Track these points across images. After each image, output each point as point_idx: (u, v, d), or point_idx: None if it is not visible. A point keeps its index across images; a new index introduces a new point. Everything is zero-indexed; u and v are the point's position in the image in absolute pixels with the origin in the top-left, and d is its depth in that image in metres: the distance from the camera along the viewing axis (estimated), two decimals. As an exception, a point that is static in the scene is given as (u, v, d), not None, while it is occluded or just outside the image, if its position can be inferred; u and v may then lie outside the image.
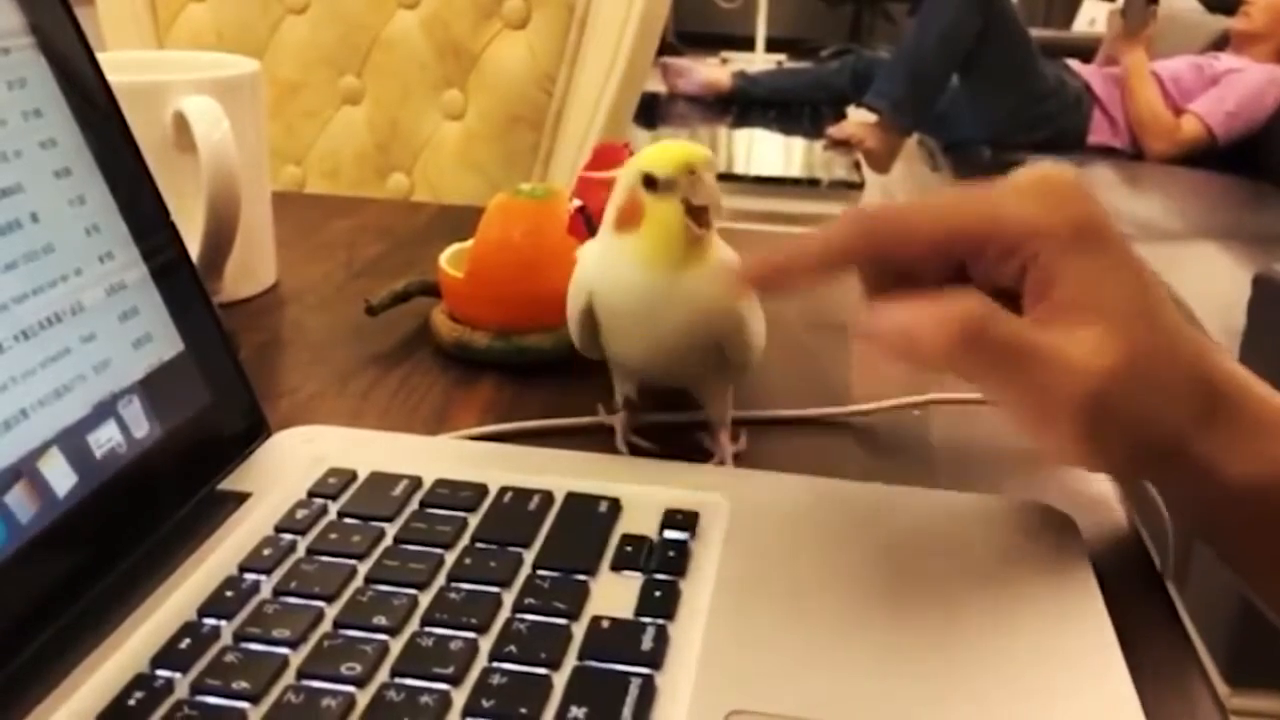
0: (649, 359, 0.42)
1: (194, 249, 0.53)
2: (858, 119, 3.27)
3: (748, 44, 4.74)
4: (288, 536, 0.34)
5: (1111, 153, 2.93)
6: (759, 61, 4.36)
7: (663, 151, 0.40)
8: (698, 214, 0.39)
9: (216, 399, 0.39)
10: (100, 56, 0.61)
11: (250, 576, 0.33)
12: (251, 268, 0.59)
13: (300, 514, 0.35)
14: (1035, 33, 3.04)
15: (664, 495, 0.37)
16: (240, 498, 0.37)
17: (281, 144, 1.11)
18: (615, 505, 0.36)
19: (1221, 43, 3.07)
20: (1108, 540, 0.39)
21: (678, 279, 0.40)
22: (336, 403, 0.49)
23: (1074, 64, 3.06)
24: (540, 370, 0.51)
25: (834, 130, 3.26)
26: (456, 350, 0.52)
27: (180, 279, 0.39)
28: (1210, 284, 2.02)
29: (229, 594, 0.32)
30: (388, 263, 0.66)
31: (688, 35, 4.94)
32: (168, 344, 0.38)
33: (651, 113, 3.58)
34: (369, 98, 1.09)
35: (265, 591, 0.32)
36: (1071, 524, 0.37)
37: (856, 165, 3.16)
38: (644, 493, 0.37)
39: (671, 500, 0.37)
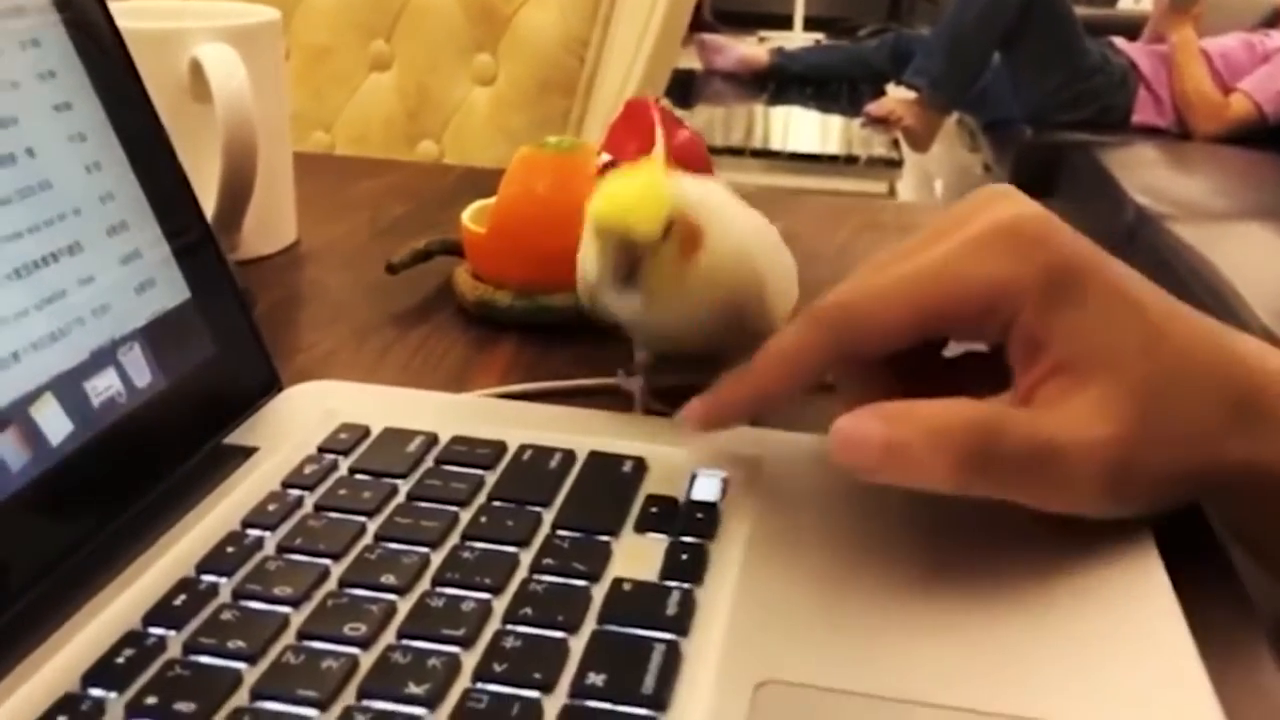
0: (661, 337, 0.41)
1: (211, 201, 0.52)
2: (897, 96, 3.22)
3: (785, 23, 4.68)
4: (295, 492, 0.33)
5: (1156, 132, 2.87)
6: (797, 40, 4.31)
7: (600, 196, 0.36)
8: None
9: (225, 350, 0.37)
10: (117, 4, 0.59)
11: (253, 532, 0.31)
12: (271, 224, 0.57)
13: (309, 469, 0.34)
14: (1079, 10, 2.98)
15: (692, 456, 0.35)
16: (247, 452, 0.35)
17: (310, 109, 1.09)
18: (640, 465, 0.34)
19: (1273, 19, 3.00)
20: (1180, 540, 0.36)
21: (662, 288, 0.36)
22: (353, 360, 0.47)
23: (1119, 41, 2.99)
24: (564, 330, 0.49)
25: (873, 108, 3.22)
26: (478, 309, 0.50)
27: (188, 225, 0.37)
28: (1260, 266, 1.97)
29: (230, 550, 0.30)
30: (412, 223, 0.65)
31: (725, 14, 4.89)
32: (173, 291, 0.36)
33: (688, 90, 3.54)
34: (398, 63, 1.08)
35: (268, 548, 0.30)
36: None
37: (895, 143, 3.12)
38: (672, 453, 0.35)
39: (701, 461, 0.35)
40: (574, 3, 1.02)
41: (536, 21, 1.03)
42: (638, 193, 0.35)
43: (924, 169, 3.57)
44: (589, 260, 0.37)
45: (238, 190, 0.51)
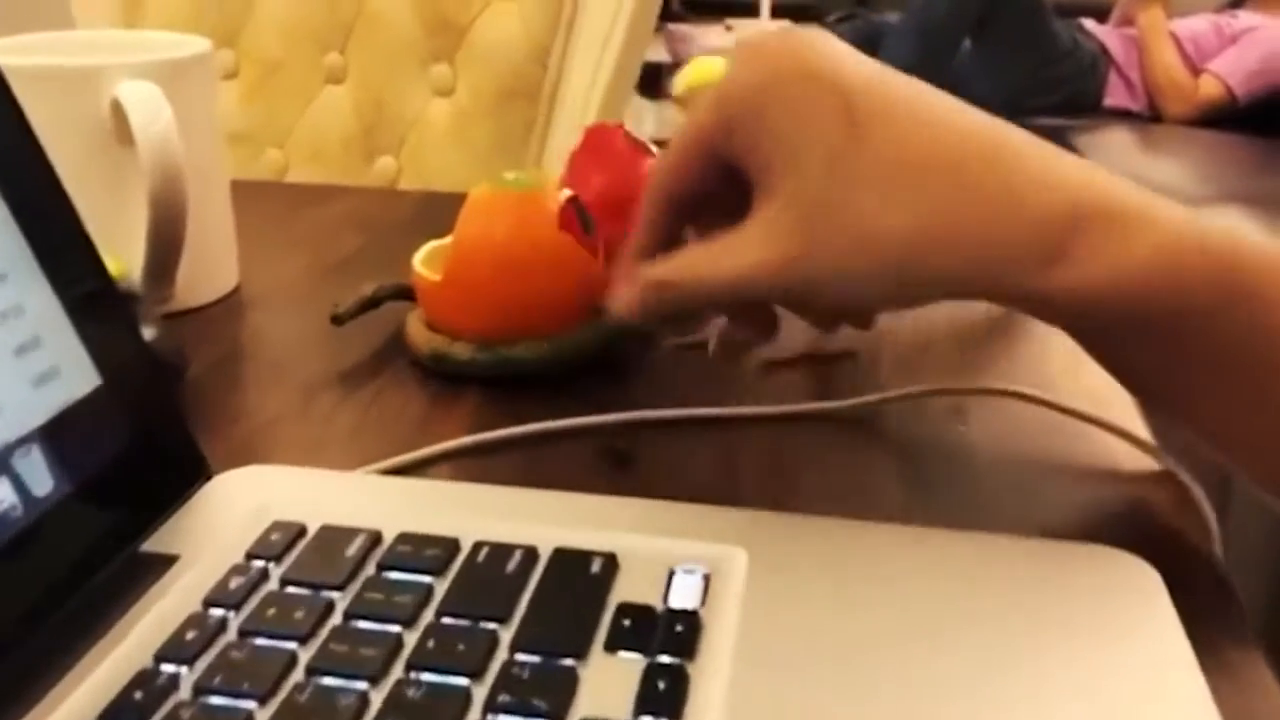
0: None
1: (139, 252, 0.48)
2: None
3: (752, 10, 4.64)
4: (217, 613, 0.29)
5: (1128, 115, 2.85)
6: (764, 28, 4.27)
7: (685, 72, 0.45)
8: None
9: (142, 441, 0.33)
10: (36, 37, 0.55)
11: (168, 668, 0.27)
12: (208, 271, 0.53)
13: (234, 583, 0.30)
14: (1047, -8, 2.95)
15: (669, 549, 0.31)
16: (167, 561, 0.31)
17: (262, 127, 1.05)
18: (611, 563, 0.31)
19: (1239, 0, 2.98)
20: (1193, 588, 0.33)
21: None
22: (296, 429, 0.43)
23: (1089, 24, 2.97)
24: (529, 384, 0.45)
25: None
26: (434, 363, 0.46)
27: (97, 300, 0.33)
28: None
29: (138, 696, 0.26)
30: (364, 259, 0.61)
31: (692, 3, 4.84)
32: (80, 379, 0.32)
33: (656, 82, 3.49)
34: (353, 76, 1.03)
35: (184, 690, 0.26)
36: (1151, 574, 0.31)
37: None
38: (645, 546, 0.31)
39: (678, 555, 0.31)
40: (535, 8, 0.98)
41: (496, 29, 0.99)
42: (711, 60, 0.49)
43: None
44: None
45: (167, 240, 0.47)
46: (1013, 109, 2.87)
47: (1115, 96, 2.89)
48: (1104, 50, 2.89)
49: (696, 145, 0.34)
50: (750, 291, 0.33)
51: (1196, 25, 2.85)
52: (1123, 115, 2.86)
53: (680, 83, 0.44)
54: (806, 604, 0.30)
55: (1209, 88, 2.75)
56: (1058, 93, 2.88)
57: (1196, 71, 2.78)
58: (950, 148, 0.31)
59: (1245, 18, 2.82)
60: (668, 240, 0.36)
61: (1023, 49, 2.86)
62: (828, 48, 0.32)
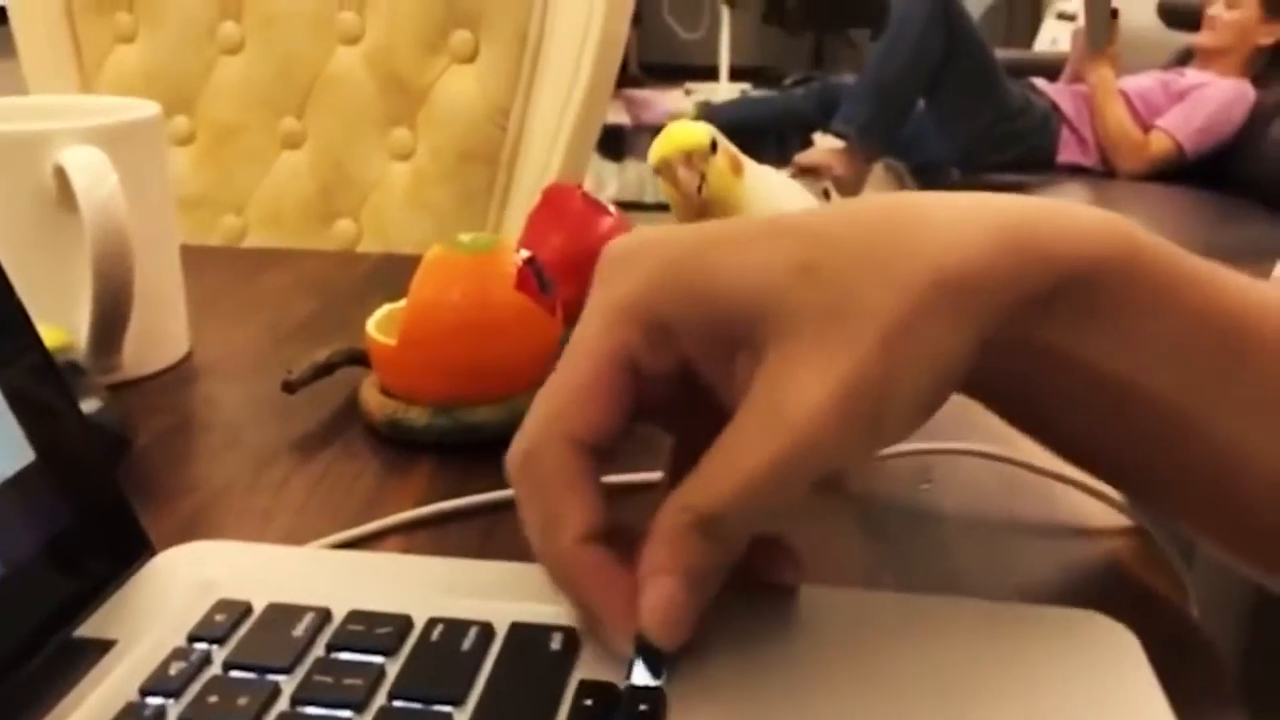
0: None
1: (85, 321, 0.46)
2: (825, 145, 3.23)
3: (711, 74, 4.71)
4: (155, 701, 0.27)
5: (1081, 171, 2.90)
6: (723, 91, 4.33)
7: (659, 141, 0.45)
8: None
9: (79, 519, 0.32)
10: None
11: (100, 764, 0.25)
12: (157, 339, 0.52)
13: (174, 668, 0.28)
14: (998, 53, 3.01)
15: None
16: (103, 647, 0.29)
17: (219, 192, 1.04)
18: (571, 639, 0.29)
19: (1185, 58, 3.06)
20: (1170, 650, 0.32)
21: (725, 195, 0.45)
22: (246, 501, 0.41)
23: (1039, 83, 3.03)
24: (486, 451, 0.44)
25: (801, 158, 3.21)
26: (389, 429, 0.45)
27: (30, 371, 0.32)
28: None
29: (67, 795, 0.24)
30: (319, 324, 0.59)
31: (651, 67, 4.91)
32: (12, 455, 0.30)
33: (618, 145, 3.53)
34: (311, 140, 1.03)
35: (116, 788, 0.25)
36: (1128, 638, 0.30)
37: (825, 193, 3.11)
38: (607, 619, 0.30)
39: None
40: (493, 71, 0.98)
41: (454, 91, 0.99)
42: (678, 126, 0.45)
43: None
44: (671, 200, 0.47)
45: (113, 308, 0.45)
46: (968, 165, 2.93)
47: (1068, 153, 2.95)
48: (1055, 108, 2.95)
49: (612, 369, 0.30)
50: (821, 450, 0.27)
51: (1144, 83, 2.92)
52: (1076, 171, 2.91)
53: (654, 152, 0.41)
54: (773, 675, 0.28)
55: (1159, 143, 2.81)
56: (1011, 150, 2.93)
57: (1146, 128, 2.84)
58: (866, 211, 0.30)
59: (1191, 75, 2.89)
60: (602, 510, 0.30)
61: (976, 107, 2.91)
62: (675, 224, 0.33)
